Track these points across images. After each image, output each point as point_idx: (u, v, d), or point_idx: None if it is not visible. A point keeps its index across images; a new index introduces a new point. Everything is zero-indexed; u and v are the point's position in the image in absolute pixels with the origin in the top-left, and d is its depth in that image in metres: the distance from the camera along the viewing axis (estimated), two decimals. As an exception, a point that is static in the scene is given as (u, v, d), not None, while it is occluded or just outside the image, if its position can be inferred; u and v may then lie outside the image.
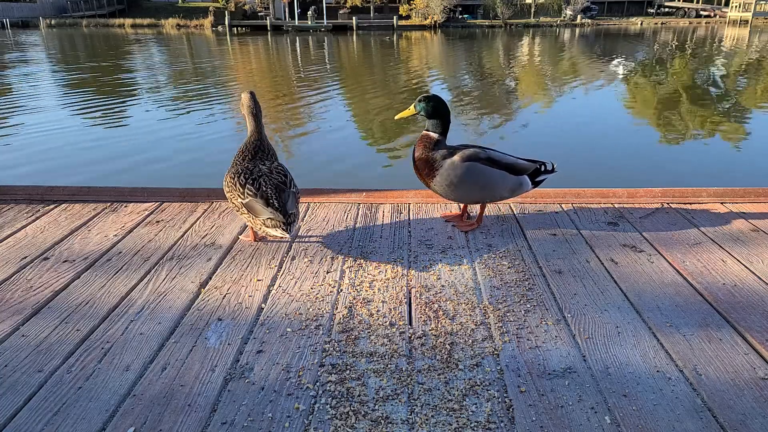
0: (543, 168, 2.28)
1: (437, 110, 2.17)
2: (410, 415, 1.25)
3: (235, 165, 2.09)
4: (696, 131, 7.85)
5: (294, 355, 1.47)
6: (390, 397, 1.30)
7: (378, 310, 1.68)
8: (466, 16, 45.82)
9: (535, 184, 2.28)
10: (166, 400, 1.30)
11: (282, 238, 2.07)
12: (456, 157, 2.13)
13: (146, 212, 2.49)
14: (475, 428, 1.21)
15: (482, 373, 1.39)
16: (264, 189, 1.97)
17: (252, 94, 2.15)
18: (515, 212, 2.48)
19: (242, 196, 1.99)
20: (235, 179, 2.03)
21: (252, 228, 2.14)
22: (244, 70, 16.34)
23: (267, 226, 1.95)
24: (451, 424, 1.22)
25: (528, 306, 1.70)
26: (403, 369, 1.40)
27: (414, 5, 44.48)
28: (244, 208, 1.99)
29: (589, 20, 45.18)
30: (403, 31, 40.24)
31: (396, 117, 2.32)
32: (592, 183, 4.75)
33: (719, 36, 31.21)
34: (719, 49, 22.46)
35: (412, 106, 2.23)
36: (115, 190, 2.72)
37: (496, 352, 1.47)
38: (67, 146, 6.79)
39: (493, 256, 2.05)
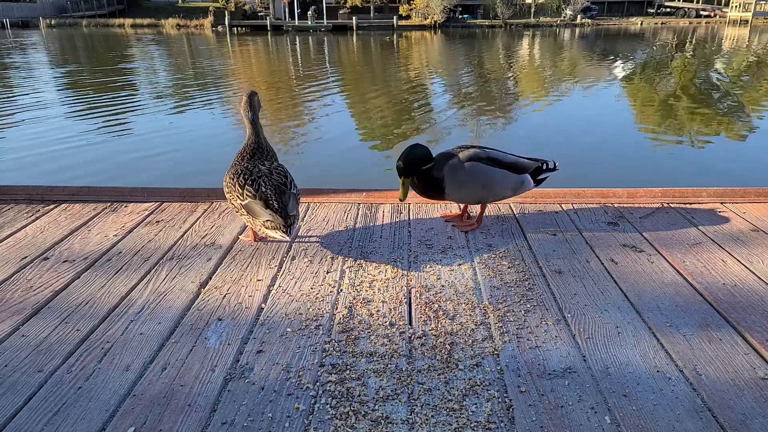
0: (545, 166, 2.28)
1: (416, 161, 2.11)
2: (410, 415, 1.25)
3: (235, 165, 2.09)
4: (696, 131, 7.85)
5: (294, 355, 1.47)
6: (390, 397, 1.30)
7: (378, 310, 1.68)
8: (466, 16, 45.83)
9: (537, 183, 2.28)
10: (166, 400, 1.30)
11: (281, 239, 2.07)
12: (456, 159, 2.14)
13: (146, 212, 2.49)
14: (475, 428, 1.21)
15: (482, 373, 1.39)
16: (263, 190, 1.97)
17: (249, 96, 2.14)
18: (515, 212, 2.48)
19: (241, 197, 1.98)
20: (235, 180, 2.03)
21: (252, 228, 2.14)
22: (244, 70, 16.35)
23: (266, 228, 1.95)
24: (451, 424, 1.22)
25: (528, 306, 1.70)
26: (403, 369, 1.40)
27: (414, 5, 44.47)
28: (243, 209, 1.99)
29: (589, 20, 45.18)
30: (403, 31, 40.25)
31: (401, 199, 2.20)
32: (592, 183, 4.75)
33: (719, 36, 31.22)
34: (719, 49, 22.46)
35: (401, 180, 2.13)
36: (115, 190, 2.72)
37: (496, 352, 1.47)
38: (67, 146, 6.79)
39: (493, 256, 2.05)
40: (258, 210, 1.94)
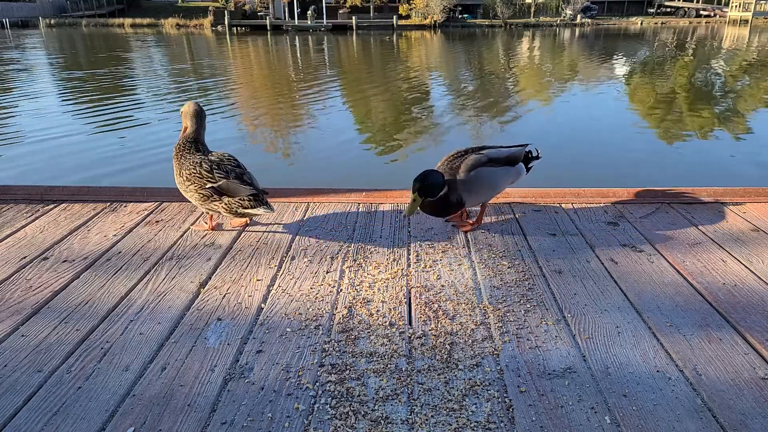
0: (530, 154, 2.38)
1: (435, 186, 2.03)
2: (410, 415, 1.25)
3: (186, 159, 2.16)
4: (696, 131, 7.84)
5: (294, 355, 1.47)
6: (390, 397, 1.30)
7: (378, 310, 1.67)
8: (465, 15, 45.78)
9: (528, 170, 2.37)
10: (165, 400, 1.30)
11: (265, 213, 2.10)
12: (462, 173, 2.13)
13: (146, 212, 2.48)
14: (475, 428, 1.21)
15: (482, 373, 1.39)
16: (234, 170, 2.09)
17: (198, 111, 2.21)
18: (515, 212, 2.48)
19: (213, 180, 2.06)
20: (198, 168, 2.10)
21: (210, 215, 2.21)
22: (243, 70, 16.34)
23: (244, 207, 2.04)
24: (451, 424, 1.22)
25: (528, 306, 1.70)
26: (403, 369, 1.40)
27: (414, 5, 44.43)
28: (215, 194, 2.05)
29: (589, 20, 45.14)
30: (402, 31, 40.23)
31: (406, 215, 2.12)
32: (592, 183, 4.74)
33: (719, 36, 31.21)
34: (719, 49, 22.45)
35: (413, 196, 2.02)
36: (114, 189, 2.71)
37: (496, 352, 1.47)
38: (67, 146, 6.79)
39: (493, 256, 2.05)
40: (236, 187, 2.03)
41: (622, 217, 2.40)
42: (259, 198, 2.06)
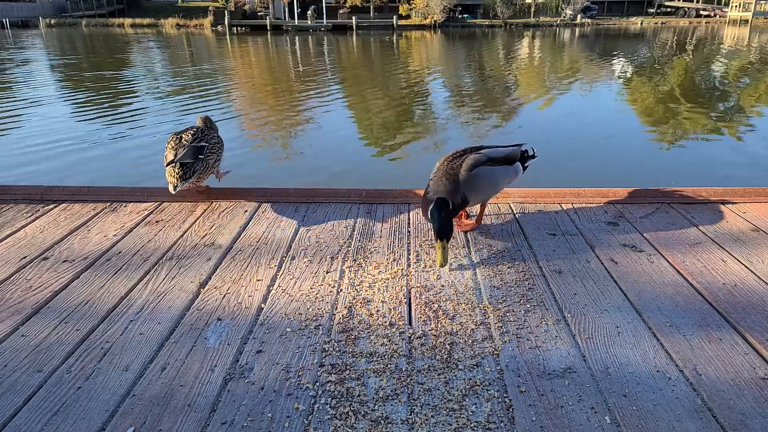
0: (526, 153, 2.38)
1: (446, 226, 1.93)
2: (410, 415, 1.25)
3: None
4: (696, 131, 7.85)
5: (294, 355, 1.47)
6: (390, 397, 1.30)
7: (378, 310, 1.67)
8: (465, 15, 45.78)
9: (524, 169, 2.37)
10: (165, 400, 1.30)
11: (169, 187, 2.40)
12: (463, 173, 2.11)
13: (146, 212, 2.48)
14: (475, 428, 1.21)
15: (482, 373, 1.39)
16: (184, 144, 2.45)
17: (205, 121, 2.68)
18: (515, 212, 2.48)
19: (166, 150, 2.47)
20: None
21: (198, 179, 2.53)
22: (243, 70, 16.34)
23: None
24: (451, 424, 1.22)
25: (528, 306, 1.70)
26: (403, 369, 1.40)
27: (414, 5, 44.43)
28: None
29: (589, 20, 45.13)
30: (402, 31, 40.23)
31: (441, 266, 1.90)
32: (592, 183, 4.74)
33: (719, 35, 31.20)
34: (719, 49, 22.45)
35: (438, 245, 1.89)
36: (114, 189, 2.71)
37: (496, 352, 1.47)
38: (67, 146, 6.79)
39: (493, 256, 2.05)
40: (167, 155, 2.43)
41: (622, 217, 2.40)
42: (173, 170, 2.37)
